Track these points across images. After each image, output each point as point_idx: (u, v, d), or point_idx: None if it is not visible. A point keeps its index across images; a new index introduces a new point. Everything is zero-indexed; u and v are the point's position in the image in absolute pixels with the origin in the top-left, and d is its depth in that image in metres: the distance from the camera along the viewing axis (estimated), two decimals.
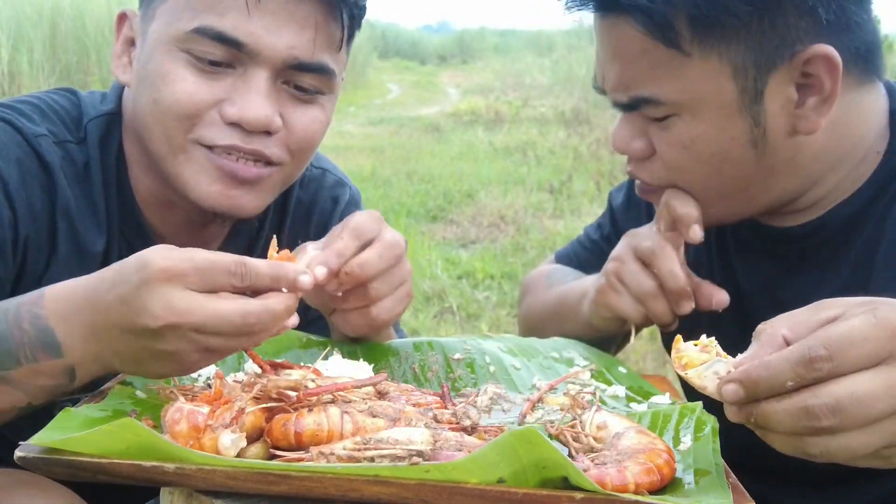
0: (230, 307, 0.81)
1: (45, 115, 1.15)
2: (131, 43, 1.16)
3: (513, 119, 10.36)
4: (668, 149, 1.06)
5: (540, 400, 0.96)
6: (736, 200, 1.08)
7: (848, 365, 0.67)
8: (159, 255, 0.81)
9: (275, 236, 0.95)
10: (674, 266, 1.09)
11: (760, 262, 1.16)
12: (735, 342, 0.79)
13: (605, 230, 1.42)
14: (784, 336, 0.71)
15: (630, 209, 1.37)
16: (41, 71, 7.83)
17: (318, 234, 1.35)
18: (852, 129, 1.06)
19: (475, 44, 24.98)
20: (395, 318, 1.08)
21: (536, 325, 1.38)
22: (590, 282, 1.24)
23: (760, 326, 0.74)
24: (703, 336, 0.80)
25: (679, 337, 0.79)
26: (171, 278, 0.80)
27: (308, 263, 0.96)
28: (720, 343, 0.79)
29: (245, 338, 0.83)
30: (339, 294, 1.03)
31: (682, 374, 0.76)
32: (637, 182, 1.15)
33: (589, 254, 1.43)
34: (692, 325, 1.25)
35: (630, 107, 1.06)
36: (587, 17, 1.14)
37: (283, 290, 0.84)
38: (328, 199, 1.37)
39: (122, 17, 1.18)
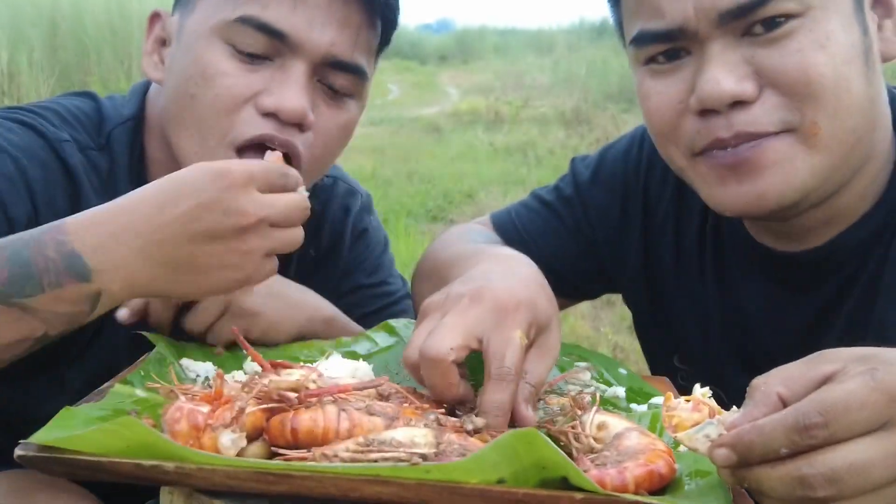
0: (294, 196, 0.94)
1: (66, 121, 1.15)
2: (163, 43, 1.17)
3: (513, 119, 10.35)
4: (800, 58, 0.93)
5: (540, 399, 0.96)
6: (844, 149, 0.97)
7: (845, 432, 0.63)
8: (230, 163, 0.90)
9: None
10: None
11: (763, 286, 1.13)
12: (734, 370, 0.78)
13: (566, 193, 1.33)
14: (779, 394, 0.67)
15: (595, 185, 1.31)
16: (41, 71, 7.84)
17: (330, 244, 1.36)
18: (883, 112, 1.03)
19: (475, 43, 24.94)
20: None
21: (418, 288, 1.27)
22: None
23: (755, 382, 0.70)
24: (697, 386, 0.77)
25: (669, 394, 0.77)
26: (247, 181, 0.89)
27: None
28: (719, 374, 0.76)
29: (299, 229, 0.94)
30: None
31: (672, 436, 0.75)
32: (718, 153, 0.98)
33: (535, 216, 1.33)
34: (690, 356, 1.23)
35: (752, 6, 0.93)
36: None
37: None
38: (339, 209, 1.37)
39: (156, 17, 1.19)
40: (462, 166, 7.44)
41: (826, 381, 0.66)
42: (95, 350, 1.14)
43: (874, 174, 1.04)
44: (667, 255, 1.24)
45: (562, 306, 1.33)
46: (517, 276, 0.94)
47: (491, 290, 0.88)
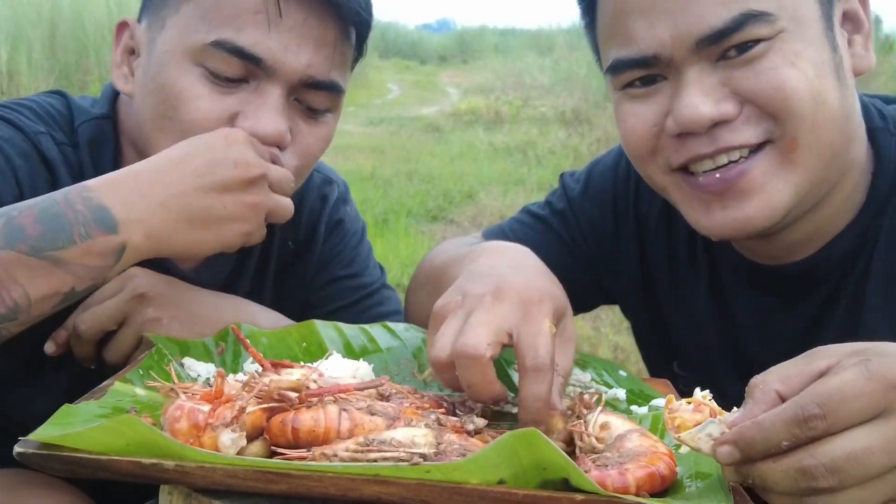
0: (283, 169, 1.06)
1: (41, 117, 1.16)
2: (132, 52, 1.16)
3: (513, 119, 10.35)
4: (773, 75, 0.95)
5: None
6: (822, 164, 0.99)
7: (843, 422, 0.65)
8: (235, 129, 1.04)
9: None
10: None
11: (755, 298, 1.14)
12: (730, 378, 0.79)
13: (558, 207, 1.34)
14: (777, 391, 0.69)
15: (586, 199, 1.32)
16: (40, 71, 7.84)
17: (307, 234, 1.35)
18: (858, 127, 1.05)
19: (475, 43, 24.95)
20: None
21: (413, 298, 1.29)
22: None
23: (753, 381, 0.71)
24: (698, 390, 0.78)
25: (671, 397, 0.78)
26: (250, 141, 1.02)
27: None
28: (717, 382, 0.78)
29: (289, 201, 1.06)
30: None
31: (674, 436, 0.75)
32: (703, 180, 1.00)
33: (529, 230, 1.34)
34: (688, 363, 1.24)
35: (725, 32, 0.94)
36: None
37: None
38: (316, 199, 1.37)
39: (123, 26, 1.17)
40: (462, 166, 7.44)
41: (822, 375, 0.67)
42: None
43: (852, 186, 1.05)
44: (660, 267, 1.25)
45: None
46: (527, 267, 0.95)
47: (510, 284, 0.89)
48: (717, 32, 0.95)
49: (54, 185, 1.10)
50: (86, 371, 1.13)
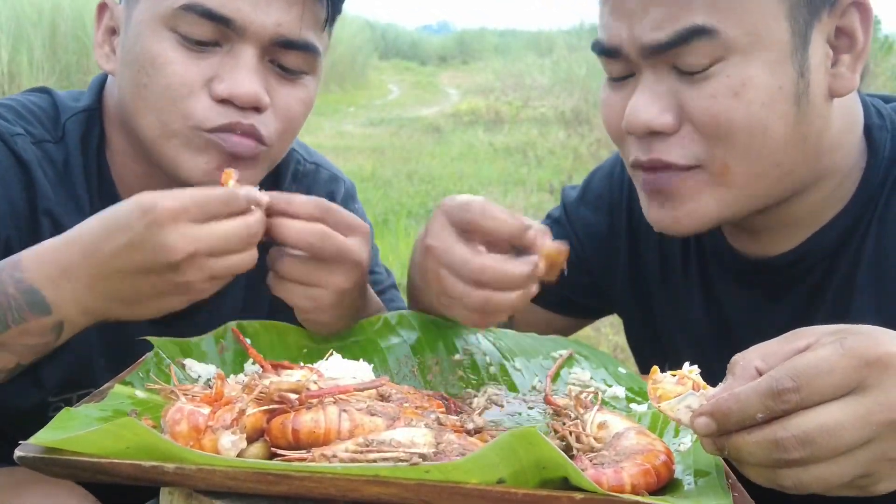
0: (234, 222, 0.93)
1: (22, 115, 1.15)
2: (113, 32, 1.16)
3: (513, 119, 10.36)
4: (712, 103, 0.95)
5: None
6: (766, 182, 0.99)
7: (816, 396, 0.66)
8: (160, 197, 0.90)
9: (233, 170, 1.01)
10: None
11: (745, 290, 1.14)
12: (721, 371, 0.79)
13: (555, 215, 1.37)
14: (757, 367, 0.70)
15: (582, 205, 1.34)
16: (41, 71, 7.84)
17: None
18: (846, 135, 1.04)
19: (475, 44, 24.98)
20: (303, 315, 1.06)
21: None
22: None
23: (735, 358, 0.73)
24: (686, 364, 0.79)
25: (655, 367, 0.79)
26: (177, 216, 0.89)
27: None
28: (704, 372, 0.79)
29: (248, 255, 0.95)
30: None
31: (655, 406, 0.77)
32: (644, 177, 1.03)
33: None
34: (676, 354, 1.24)
35: (670, 45, 0.94)
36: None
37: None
38: (323, 195, 1.36)
39: (103, 7, 1.18)
40: (462, 166, 7.45)
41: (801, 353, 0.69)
42: (70, 348, 1.14)
43: (837, 182, 1.05)
44: (652, 266, 1.26)
45: (566, 327, 1.39)
46: None
47: None
48: (661, 44, 0.95)
49: (31, 187, 1.10)
50: (75, 366, 1.13)
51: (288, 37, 1.09)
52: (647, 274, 1.27)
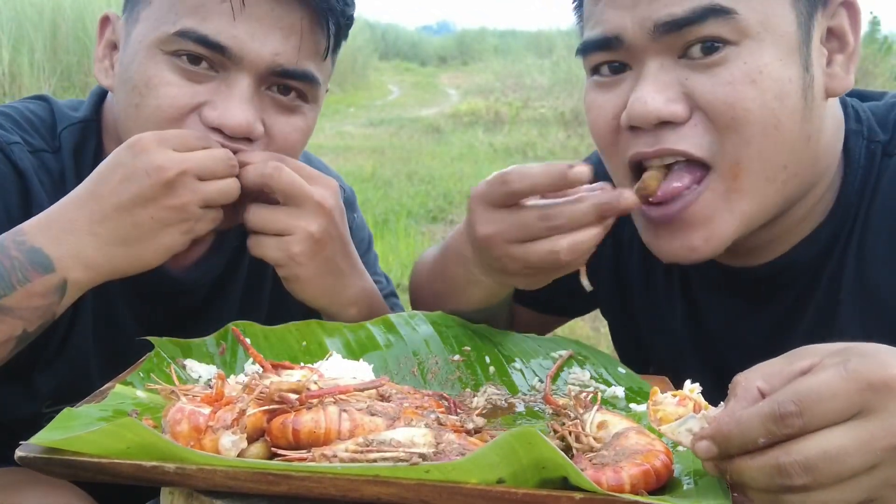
0: (213, 150, 1.02)
1: (19, 124, 1.15)
2: (113, 47, 1.16)
3: (513, 120, 10.36)
4: (729, 90, 0.92)
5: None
6: (774, 187, 0.97)
7: (819, 420, 0.64)
8: (145, 133, 0.99)
9: None
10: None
11: (725, 300, 1.13)
12: (700, 379, 0.79)
13: None
14: (759, 388, 0.69)
15: None
16: (42, 72, 7.85)
17: None
18: (833, 140, 1.03)
19: (475, 45, 24.95)
20: (282, 271, 1.10)
21: (417, 292, 1.30)
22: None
23: (736, 378, 0.72)
24: (688, 383, 0.78)
25: (656, 389, 0.79)
26: (159, 142, 0.98)
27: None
28: (685, 379, 0.78)
29: (232, 180, 1.03)
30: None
31: (657, 428, 0.76)
32: (650, 212, 0.99)
33: None
34: (658, 364, 1.24)
35: (685, 21, 0.92)
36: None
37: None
38: None
39: (105, 21, 1.18)
40: (462, 167, 7.44)
41: (804, 374, 0.67)
42: (65, 356, 1.14)
43: (821, 193, 1.04)
44: (635, 272, 1.25)
45: (549, 324, 1.38)
46: None
47: None
48: (676, 20, 0.92)
49: (27, 194, 1.10)
50: (70, 375, 1.13)
51: (285, 66, 1.08)
52: (630, 281, 1.26)
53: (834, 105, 1.04)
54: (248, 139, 1.08)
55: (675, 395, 0.77)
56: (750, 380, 0.70)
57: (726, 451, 0.68)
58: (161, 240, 0.98)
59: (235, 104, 1.06)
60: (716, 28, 0.92)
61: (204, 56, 1.06)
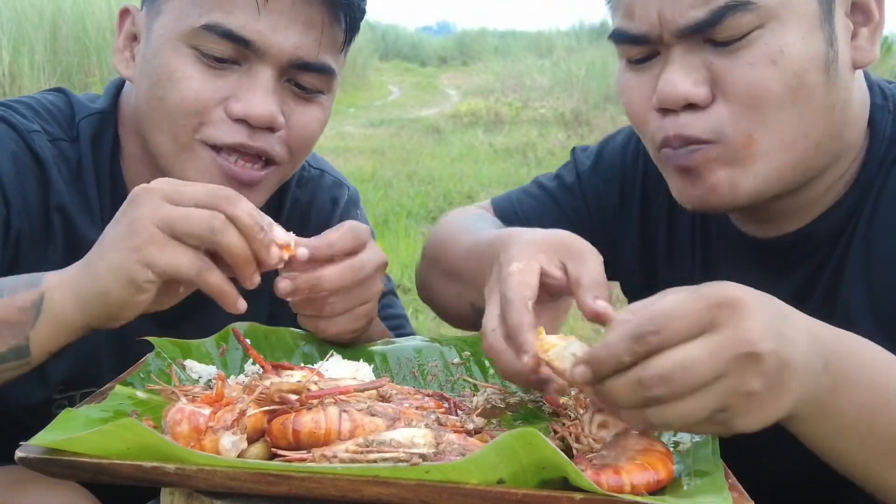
0: (196, 186, 0.89)
1: (39, 114, 1.17)
2: (133, 38, 1.18)
3: (513, 120, 10.36)
4: (749, 71, 0.96)
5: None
6: (793, 155, 1.00)
7: (674, 337, 0.71)
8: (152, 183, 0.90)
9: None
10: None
11: (745, 270, 1.14)
12: None
13: (567, 181, 1.36)
14: (627, 321, 0.75)
15: (595, 175, 1.34)
16: (42, 72, 7.85)
17: (317, 234, 1.35)
18: (859, 112, 1.05)
19: (475, 45, 24.96)
20: (348, 334, 1.07)
21: (439, 277, 1.27)
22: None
23: (614, 316, 0.79)
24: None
25: (541, 329, 0.85)
26: (150, 188, 0.88)
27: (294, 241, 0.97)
28: None
29: (207, 213, 0.87)
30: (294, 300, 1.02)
31: (544, 357, 0.81)
32: (669, 154, 1.03)
33: (535, 202, 1.35)
34: None
35: (707, 23, 0.95)
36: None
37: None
38: (327, 200, 1.37)
39: (125, 13, 1.19)
40: (462, 167, 7.44)
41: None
42: (75, 344, 1.14)
43: (846, 166, 1.07)
44: (661, 245, 1.27)
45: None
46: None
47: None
48: (699, 23, 0.96)
49: (46, 183, 1.12)
50: (81, 363, 1.13)
51: (306, 59, 1.11)
52: (655, 252, 1.28)
53: (860, 79, 1.06)
54: (271, 129, 1.11)
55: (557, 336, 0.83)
56: (620, 314, 0.77)
57: (599, 374, 0.74)
58: (108, 258, 0.88)
59: (259, 95, 1.08)
60: (738, 20, 0.95)
61: (227, 50, 1.08)
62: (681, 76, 0.98)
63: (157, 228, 0.86)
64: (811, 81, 0.97)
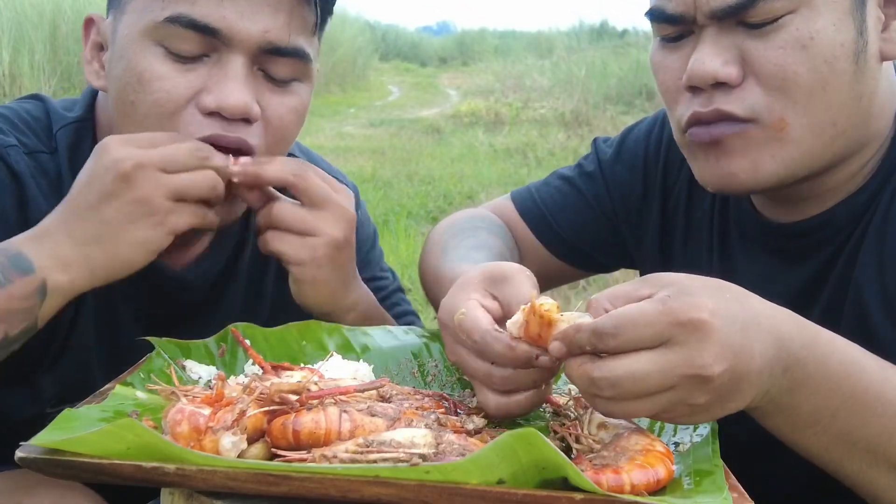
0: (183, 143, 1.02)
1: (16, 126, 1.14)
2: (100, 48, 1.15)
3: (513, 121, 10.36)
4: (779, 54, 0.98)
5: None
6: (820, 141, 1.01)
7: (630, 344, 0.74)
8: (110, 136, 1.02)
9: None
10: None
11: (763, 257, 1.16)
12: None
13: (588, 169, 1.37)
14: (605, 309, 0.79)
15: (618, 163, 1.34)
16: (42, 72, 7.86)
17: None
18: (887, 102, 1.06)
19: (475, 45, 24.96)
20: (312, 285, 1.10)
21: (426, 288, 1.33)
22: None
23: (592, 298, 0.82)
24: (547, 299, 0.86)
25: (557, 304, 0.86)
26: (125, 140, 1.01)
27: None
28: None
29: (208, 172, 1.03)
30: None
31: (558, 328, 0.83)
32: (693, 131, 1.04)
33: (555, 192, 1.37)
34: None
35: (740, 7, 0.97)
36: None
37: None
38: None
39: (89, 22, 1.17)
40: (462, 167, 7.44)
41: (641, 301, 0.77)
42: (67, 356, 1.14)
43: (870, 155, 1.07)
44: (679, 229, 1.28)
45: (579, 277, 1.45)
46: None
47: None
48: (731, 6, 0.98)
49: (23, 197, 1.10)
50: (73, 377, 1.13)
51: (277, 43, 1.07)
52: (673, 237, 1.29)
53: (889, 70, 1.07)
54: (247, 121, 1.08)
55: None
56: (600, 300, 0.81)
57: (571, 353, 0.78)
58: (132, 235, 0.98)
59: (231, 85, 1.05)
60: (771, 4, 0.97)
61: (194, 42, 1.05)
62: (711, 55, 1.00)
63: (168, 199, 0.99)
64: (840, 69, 0.98)
